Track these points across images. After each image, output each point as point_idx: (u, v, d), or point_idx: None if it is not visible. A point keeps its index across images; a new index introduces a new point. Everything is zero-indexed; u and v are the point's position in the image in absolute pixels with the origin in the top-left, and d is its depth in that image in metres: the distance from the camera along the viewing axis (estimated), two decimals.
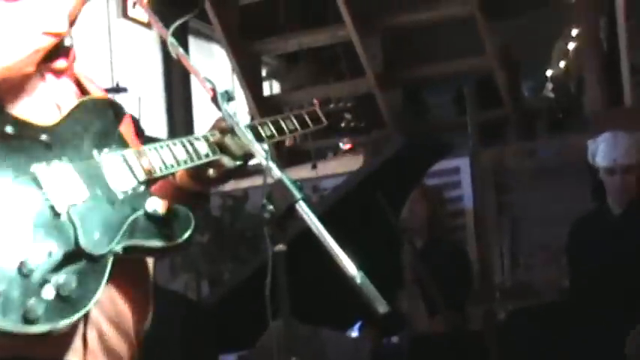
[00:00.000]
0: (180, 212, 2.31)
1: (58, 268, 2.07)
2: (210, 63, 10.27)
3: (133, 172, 2.28)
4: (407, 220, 5.63)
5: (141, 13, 8.03)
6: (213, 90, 2.29)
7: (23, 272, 2.02)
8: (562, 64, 8.79)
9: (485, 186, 7.25)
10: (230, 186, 7.44)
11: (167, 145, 2.36)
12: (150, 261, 2.42)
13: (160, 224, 2.27)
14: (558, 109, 8.58)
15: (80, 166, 2.21)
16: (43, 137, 2.17)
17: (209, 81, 2.31)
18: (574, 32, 8.32)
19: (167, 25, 2.38)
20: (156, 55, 9.52)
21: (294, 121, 2.72)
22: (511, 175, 7.33)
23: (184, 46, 9.34)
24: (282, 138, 2.68)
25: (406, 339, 5.18)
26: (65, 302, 2.06)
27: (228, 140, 2.42)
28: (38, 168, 2.14)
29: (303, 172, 7.92)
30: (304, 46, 9.27)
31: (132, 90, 8.06)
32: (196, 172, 2.42)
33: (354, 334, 5.55)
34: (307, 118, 2.78)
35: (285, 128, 2.67)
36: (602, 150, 5.13)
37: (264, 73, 9.92)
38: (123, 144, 2.32)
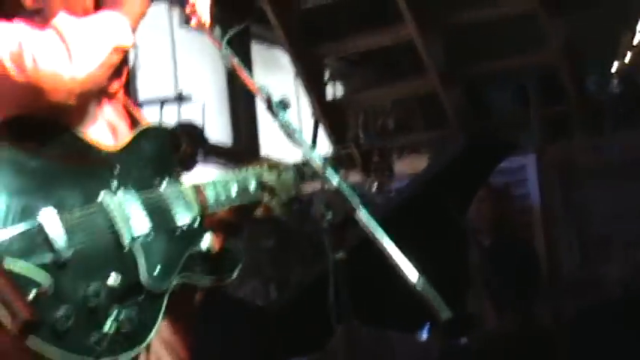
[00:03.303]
0: (230, 247, 2.36)
1: (119, 300, 2.09)
2: (273, 68, 10.29)
3: (190, 206, 2.27)
4: (473, 220, 5.60)
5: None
6: (269, 99, 2.29)
7: (88, 301, 2.03)
8: (628, 58, 8.65)
9: (551, 182, 7.18)
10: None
11: (223, 182, 2.38)
12: None
13: (211, 260, 2.29)
14: (624, 104, 8.46)
15: (143, 195, 2.20)
16: (110, 163, 2.16)
17: (264, 90, 2.31)
18: None
19: (226, 31, 2.37)
20: (220, 62, 9.50)
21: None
22: (577, 171, 7.25)
23: (246, 51, 9.44)
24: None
25: (475, 339, 5.15)
26: (125, 337, 2.09)
27: (276, 183, 2.50)
28: (106, 196, 2.13)
29: None
30: (366, 48, 9.26)
31: (196, 98, 8.11)
32: (239, 206, 2.45)
33: (423, 335, 5.53)
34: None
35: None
36: None
37: (327, 76, 9.90)
38: (179, 173, 2.32)
